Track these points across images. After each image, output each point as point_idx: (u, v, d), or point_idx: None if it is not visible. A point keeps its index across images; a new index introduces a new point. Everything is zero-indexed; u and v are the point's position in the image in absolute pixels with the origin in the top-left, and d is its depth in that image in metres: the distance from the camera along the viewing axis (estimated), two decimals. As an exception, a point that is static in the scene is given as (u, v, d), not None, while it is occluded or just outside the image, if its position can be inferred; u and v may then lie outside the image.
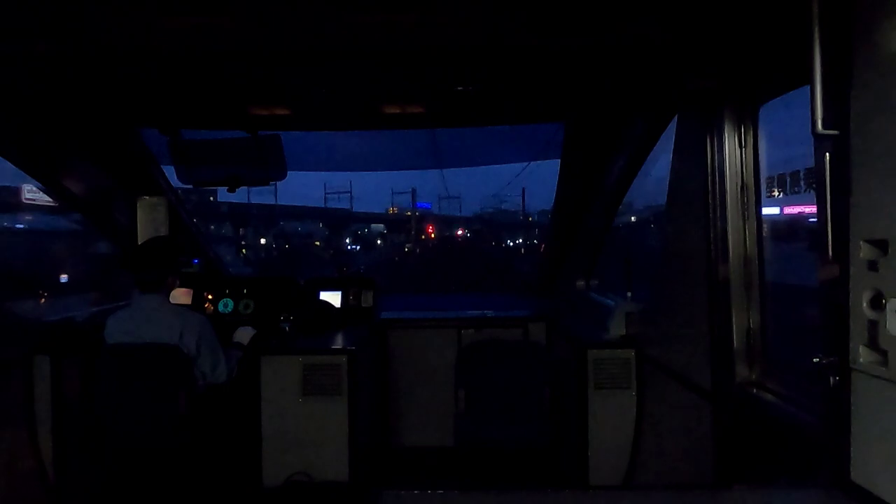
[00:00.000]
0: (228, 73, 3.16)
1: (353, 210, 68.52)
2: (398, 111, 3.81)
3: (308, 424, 3.73)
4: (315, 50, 2.77)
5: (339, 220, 63.83)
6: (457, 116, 4.23)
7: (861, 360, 1.59)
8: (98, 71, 3.07)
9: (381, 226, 69.96)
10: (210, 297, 4.72)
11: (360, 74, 3.16)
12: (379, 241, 61.65)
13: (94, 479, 3.81)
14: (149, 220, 4.49)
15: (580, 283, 5.07)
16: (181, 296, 4.64)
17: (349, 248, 55.57)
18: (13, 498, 3.49)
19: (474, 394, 4.06)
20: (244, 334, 3.99)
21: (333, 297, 4.81)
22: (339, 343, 4.06)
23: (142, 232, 4.46)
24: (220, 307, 4.68)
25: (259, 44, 2.68)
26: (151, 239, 4.20)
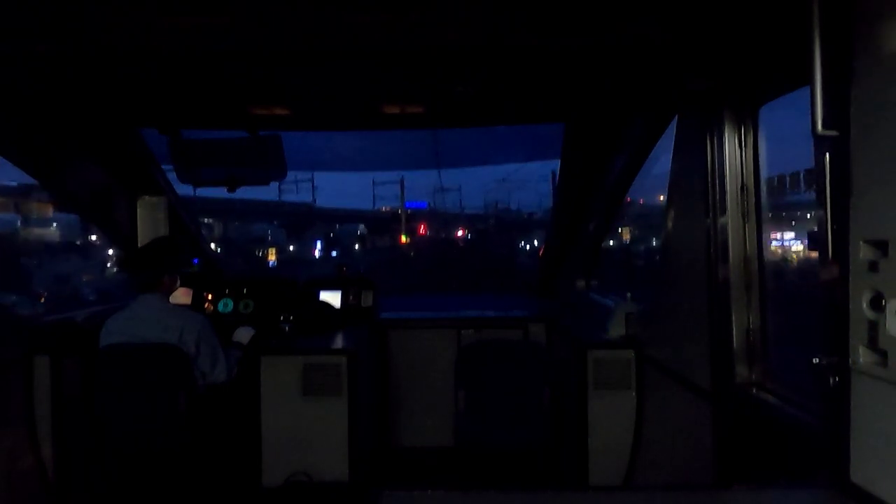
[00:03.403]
0: (228, 73, 3.16)
1: (317, 205, 50.96)
2: (398, 111, 3.80)
3: (308, 424, 3.74)
4: (315, 50, 2.77)
5: (298, 219, 47.84)
6: (457, 116, 4.23)
7: (861, 360, 1.59)
8: (98, 71, 3.07)
9: (361, 225, 55.07)
10: (210, 297, 4.72)
11: (360, 74, 3.16)
12: (357, 246, 48.09)
13: (94, 478, 3.81)
14: (149, 220, 4.49)
15: (580, 284, 5.07)
16: (181, 296, 4.64)
17: (317, 254, 42.70)
18: (13, 498, 3.49)
19: (474, 394, 4.06)
20: (244, 334, 3.99)
21: (333, 297, 4.81)
22: (339, 343, 4.06)
23: (142, 232, 4.46)
24: (220, 307, 4.68)
25: (259, 44, 2.68)
26: (152, 240, 4.20)
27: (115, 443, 3.59)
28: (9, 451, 3.49)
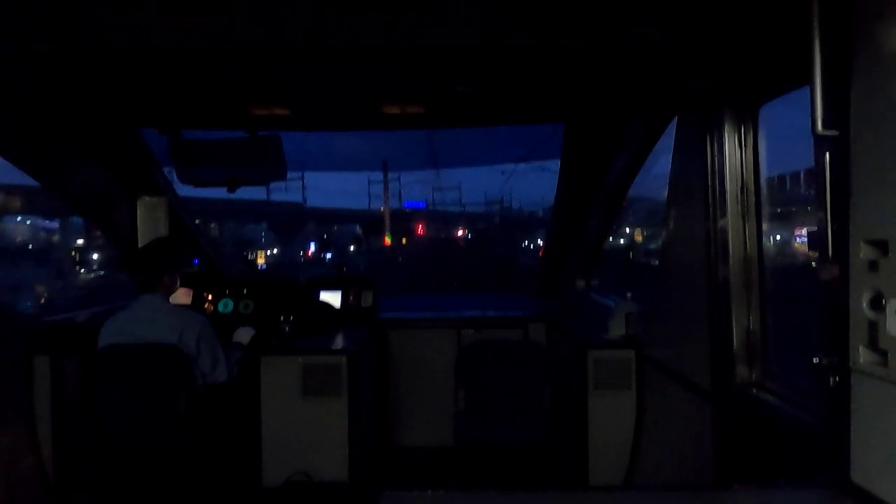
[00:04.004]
0: (228, 73, 3.16)
1: (308, 204, 48.07)
2: (398, 111, 3.80)
3: (308, 424, 3.74)
4: (315, 50, 2.77)
5: (287, 219, 45.28)
6: (457, 116, 4.23)
7: (861, 360, 1.59)
8: (98, 71, 3.07)
9: (356, 226, 52.37)
10: (210, 297, 4.72)
11: (360, 74, 3.16)
12: (352, 247, 45.35)
13: (94, 478, 3.81)
14: (149, 220, 4.49)
15: (580, 284, 5.07)
16: (181, 296, 4.64)
17: (309, 256, 40.77)
18: (13, 498, 3.49)
19: (474, 394, 4.06)
20: (244, 334, 4.00)
21: (333, 297, 4.81)
22: (339, 343, 4.05)
23: (142, 232, 4.46)
24: (220, 307, 4.68)
25: (259, 44, 2.68)
26: (152, 240, 4.20)
27: (115, 443, 3.59)
28: (9, 451, 3.49)
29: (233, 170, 4.51)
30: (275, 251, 41.63)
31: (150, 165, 4.56)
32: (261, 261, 36.68)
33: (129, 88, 3.36)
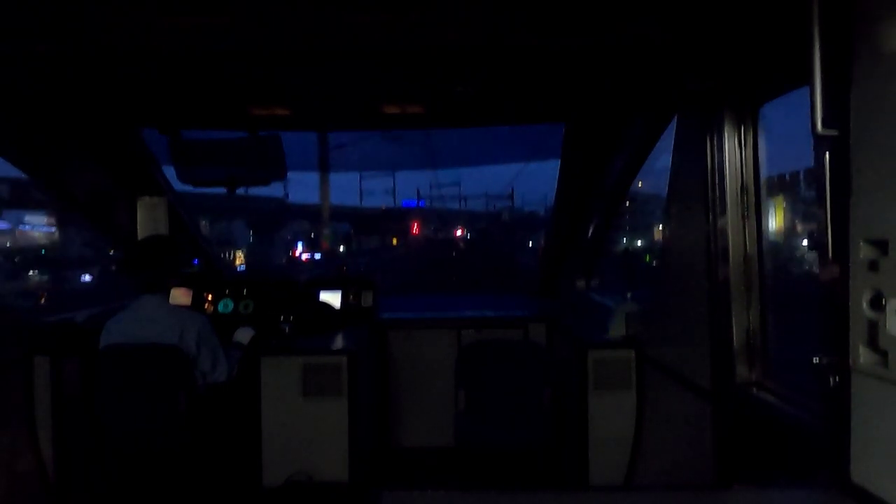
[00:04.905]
0: (228, 73, 3.17)
1: (290, 200, 43.80)
2: (398, 111, 3.81)
3: (308, 424, 3.74)
4: (315, 50, 2.78)
5: (267, 216, 41.82)
6: (457, 117, 4.23)
7: (861, 360, 1.59)
8: (98, 71, 3.07)
9: (346, 225, 47.17)
10: (210, 297, 4.72)
11: (360, 74, 3.17)
12: (342, 247, 42.35)
13: (94, 479, 3.81)
14: (149, 220, 4.49)
15: (580, 284, 5.07)
16: (181, 296, 4.64)
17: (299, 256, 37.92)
18: (13, 498, 3.49)
19: (474, 394, 4.06)
20: (244, 334, 3.99)
21: (333, 298, 4.81)
22: (339, 343, 4.05)
23: (142, 232, 4.45)
24: (220, 307, 4.68)
25: (259, 44, 2.69)
26: (146, 238, 4.18)
27: (115, 443, 3.59)
28: (9, 451, 3.49)
29: (233, 170, 4.51)
30: (241, 252, 38.73)
31: (150, 165, 4.56)
32: (238, 262, 34.11)
33: (129, 88, 3.36)
